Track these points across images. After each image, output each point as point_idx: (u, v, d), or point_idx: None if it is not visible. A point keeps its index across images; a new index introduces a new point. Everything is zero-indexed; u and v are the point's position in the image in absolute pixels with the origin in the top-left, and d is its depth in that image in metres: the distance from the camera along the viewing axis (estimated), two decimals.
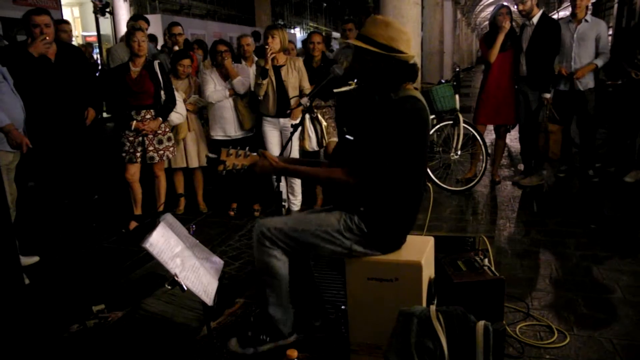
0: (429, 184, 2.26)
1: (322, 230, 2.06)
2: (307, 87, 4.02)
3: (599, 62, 4.60)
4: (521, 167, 5.38)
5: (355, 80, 2.88)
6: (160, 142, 3.93)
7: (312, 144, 4.03)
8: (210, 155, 2.05)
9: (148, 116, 3.84)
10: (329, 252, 2.11)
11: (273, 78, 3.98)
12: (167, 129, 4.00)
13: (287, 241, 2.09)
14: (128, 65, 3.84)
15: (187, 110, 4.23)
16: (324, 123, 3.95)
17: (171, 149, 4.04)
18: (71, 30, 4.82)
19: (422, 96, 2.10)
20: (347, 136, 2.27)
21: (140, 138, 3.86)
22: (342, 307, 2.44)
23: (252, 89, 4.19)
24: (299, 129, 3.16)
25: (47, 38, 3.36)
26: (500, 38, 4.62)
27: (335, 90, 4.10)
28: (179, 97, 4.09)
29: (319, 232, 2.07)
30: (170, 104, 3.95)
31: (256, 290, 2.30)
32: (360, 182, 2.00)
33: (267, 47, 3.87)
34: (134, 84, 3.77)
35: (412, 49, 2.06)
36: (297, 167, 2.17)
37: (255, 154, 2.10)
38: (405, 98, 2.00)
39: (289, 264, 2.17)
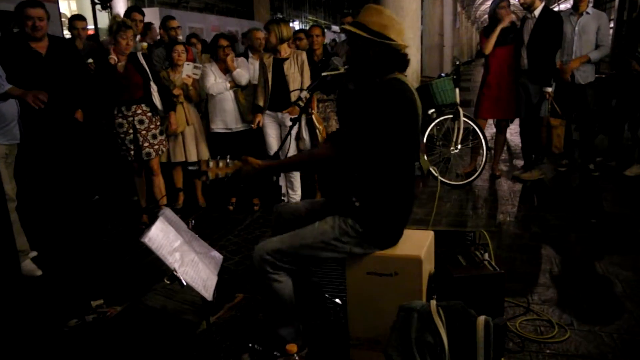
0: (437, 176, 2.26)
1: (319, 241, 2.06)
2: (307, 84, 3.99)
3: (593, 55, 4.59)
4: (517, 162, 5.37)
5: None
6: (154, 137, 3.87)
7: (305, 145, 4.02)
8: (190, 167, 2.09)
9: (139, 111, 3.79)
10: (330, 259, 2.13)
11: (270, 72, 3.96)
12: (159, 122, 3.93)
13: (288, 259, 2.08)
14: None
15: (189, 98, 4.21)
16: (320, 127, 3.92)
17: (165, 142, 3.99)
18: (83, 28, 4.60)
19: (409, 80, 2.10)
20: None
21: (132, 135, 3.81)
22: (341, 301, 2.43)
23: (252, 81, 4.20)
24: (296, 126, 3.16)
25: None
26: (497, 30, 4.60)
27: (323, 74, 4.08)
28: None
29: (316, 244, 2.06)
30: (166, 92, 3.91)
31: (249, 267, 2.29)
32: (341, 154, 2.00)
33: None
34: (122, 78, 3.70)
35: (405, 39, 2.07)
36: (279, 160, 2.21)
37: (238, 161, 2.11)
38: (390, 80, 2.02)
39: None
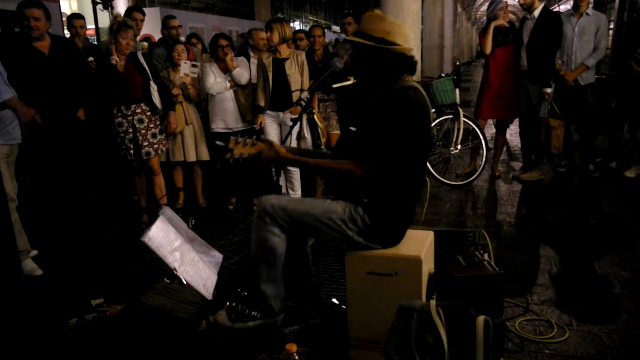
0: (427, 178, 2.28)
1: (326, 217, 2.07)
2: (306, 84, 4.01)
3: (589, 62, 4.60)
4: (514, 164, 5.38)
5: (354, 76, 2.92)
6: (154, 136, 3.86)
7: (307, 144, 4.03)
8: (219, 142, 2.09)
9: (139, 110, 3.78)
10: (329, 238, 2.14)
11: (270, 72, 3.97)
12: (158, 121, 3.93)
13: (289, 220, 2.09)
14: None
15: (188, 98, 4.21)
16: (321, 125, 3.94)
17: (164, 141, 3.99)
18: (81, 27, 4.56)
19: (422, 90, 2.11)
20: (351, 127, 2.26)
21: (131, 134, 3.81)
22: (341, 301, 2.43)
23: (252, 81, 4.20)
24: (297, 125, 3.17)
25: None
26: (491, 27, 4.62)
27: (334, 86, 4.12)
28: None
29: (323, 217, 2.08)
30: (165, 91, 3.91)
31: (250, 265, 2.29)
32: (367, 173, 2.00)
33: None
34: (122, 77, 3.70)
35: (409, 43, 2.08)
36: (304, 158, 2.18)
37: (262, 142, 2.11)
38: (407, 88, 2.03)
39: (287, 246, 2.17)
